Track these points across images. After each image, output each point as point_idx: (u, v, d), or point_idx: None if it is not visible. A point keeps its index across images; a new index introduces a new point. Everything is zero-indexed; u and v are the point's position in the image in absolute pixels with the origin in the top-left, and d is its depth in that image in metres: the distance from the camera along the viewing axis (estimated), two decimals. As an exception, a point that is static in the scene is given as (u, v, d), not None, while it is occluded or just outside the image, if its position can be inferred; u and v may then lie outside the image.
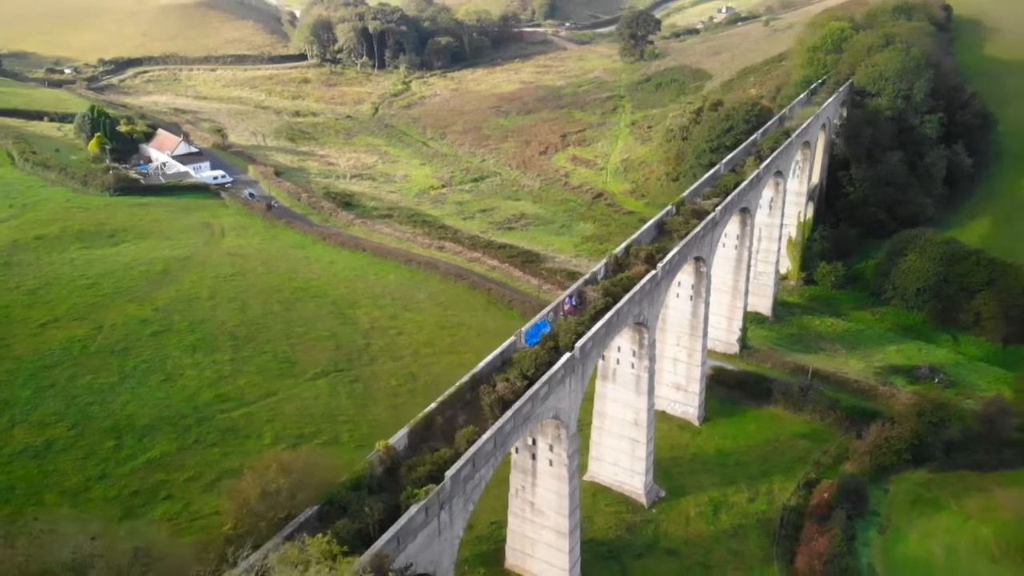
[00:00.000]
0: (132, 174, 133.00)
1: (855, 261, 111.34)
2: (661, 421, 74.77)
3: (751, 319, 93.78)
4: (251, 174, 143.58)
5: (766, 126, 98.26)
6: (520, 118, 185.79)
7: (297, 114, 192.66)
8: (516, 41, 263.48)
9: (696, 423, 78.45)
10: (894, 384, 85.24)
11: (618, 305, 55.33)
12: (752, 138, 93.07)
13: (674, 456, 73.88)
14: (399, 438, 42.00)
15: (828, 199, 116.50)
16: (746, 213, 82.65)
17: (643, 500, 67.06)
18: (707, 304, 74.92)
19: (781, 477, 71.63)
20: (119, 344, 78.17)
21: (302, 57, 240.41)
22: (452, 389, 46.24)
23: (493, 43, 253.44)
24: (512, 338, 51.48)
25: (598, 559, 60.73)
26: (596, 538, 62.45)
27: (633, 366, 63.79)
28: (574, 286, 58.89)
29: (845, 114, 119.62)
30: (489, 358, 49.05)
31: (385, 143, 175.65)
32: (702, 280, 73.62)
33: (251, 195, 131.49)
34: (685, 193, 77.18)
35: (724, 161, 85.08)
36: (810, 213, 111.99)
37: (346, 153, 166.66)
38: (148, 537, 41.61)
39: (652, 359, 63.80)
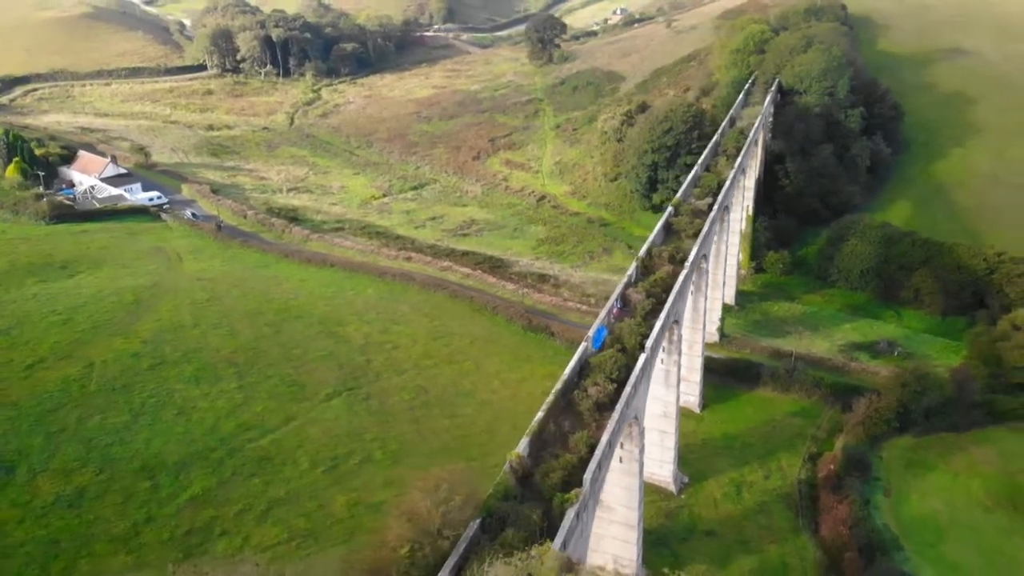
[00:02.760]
0: (62, 200, 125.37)
1: (796, 248, 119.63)
2: (669, 411, 78.64)
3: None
4: (186, 193, 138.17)
5: (721, 126, 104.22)
6: (443, 123, 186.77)
7: (211, 128, 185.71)
8: (419, 46, 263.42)
9: (698, 410, 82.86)
10: (860, 360, 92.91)
11: (668, 304, 58.53)
12: (714, 139, 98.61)
13: (686, 443, 77.66)
14: (523, 447, 43.47)
15: (766, 191, 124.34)
16: (726, 210, 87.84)
17: (672, 488, 70.63)
18: (707, 298, 79.43)
19: (786, 453, 76.98)
20: (118, 381, 74.76)
21: (201, 68, 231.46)
22: (551, 398, 47.97)
23: (397, 48, 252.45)
24: (584, 344, 53.72)
25: (650, 546, 63.55)
26: (643, 527, 65.41)
27: (663, 361, 67.06)
28: (617, 289, 61.57)
29: (773, 111, 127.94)
30: (572, 365, 51.04)
31: (311, 154, 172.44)
32: (702, 276, 77.91)
33: (193, 215, 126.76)
34: (679, 193, 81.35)
35: (699, 162, 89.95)
36: (753, 205, 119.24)
37: (274, 166, 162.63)
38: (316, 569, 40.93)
39: (680, 353, 67.50)
